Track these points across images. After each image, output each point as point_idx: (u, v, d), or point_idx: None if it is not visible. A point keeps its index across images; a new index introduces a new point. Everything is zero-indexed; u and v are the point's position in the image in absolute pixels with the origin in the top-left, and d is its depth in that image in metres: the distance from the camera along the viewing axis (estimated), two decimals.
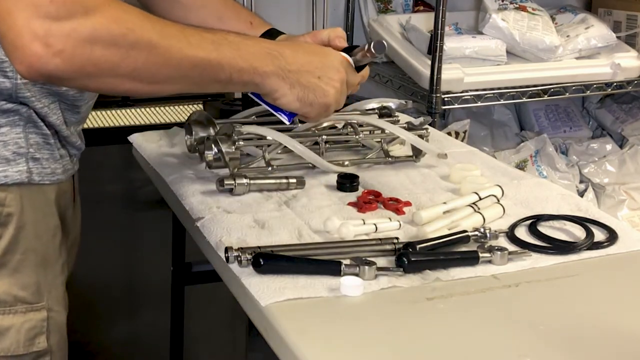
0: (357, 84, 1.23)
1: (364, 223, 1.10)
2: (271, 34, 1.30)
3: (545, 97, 2.08)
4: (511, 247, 1.06)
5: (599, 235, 1.12)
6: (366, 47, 1.19)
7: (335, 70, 1.12)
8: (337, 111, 1.21)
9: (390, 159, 1.38)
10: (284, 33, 1.32)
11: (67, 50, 0.86)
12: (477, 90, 1.99)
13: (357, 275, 0.96)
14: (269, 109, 1.15)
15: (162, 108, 2.05)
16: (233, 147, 1.25)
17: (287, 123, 1.16)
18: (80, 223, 1.30)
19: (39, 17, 0.83)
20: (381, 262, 1.01)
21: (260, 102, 1.13)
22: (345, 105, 1.55)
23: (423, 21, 2.16)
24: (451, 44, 1.98)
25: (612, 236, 1.11)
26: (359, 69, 1.22)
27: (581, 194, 2.26)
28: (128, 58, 0.91)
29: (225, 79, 1.02)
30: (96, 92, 1.09)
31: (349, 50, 1.22)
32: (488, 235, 1.07)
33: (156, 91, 1.00)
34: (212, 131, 1.32)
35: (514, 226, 1.13)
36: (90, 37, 0.87)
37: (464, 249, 1.06)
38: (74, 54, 0.87)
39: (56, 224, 1.10)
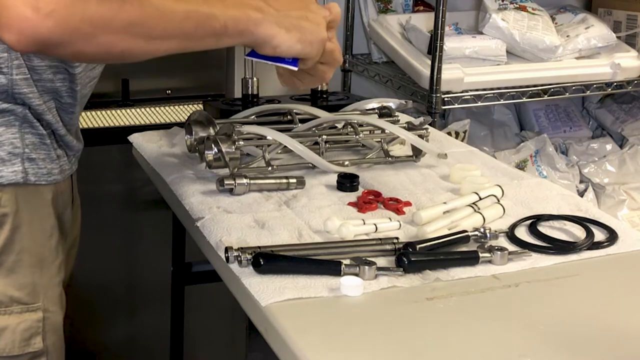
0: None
1: (364, 223, 1.10)
2: None
3: (545, 97, 2.07)
4: (511, 247, 1.06)
5: (599, 235, 1.12)
6: None
7: (315, 6, 1.10)
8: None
9: (390, 158, 1.38)
10: None
11: (59, 10, 0.83)
12: (477, 90, 1.99)
13: (357, 275, 0.96)
14: (270, 62, 1.11)
15: (162, 108, 2.05)
16: (233, 147, 1.25)
17: (295, 69, 1.10)
18: (80, 224, 1.29)
19: None
20: (381, 262, 1.01)
21: (259, 59, 1.10)
22: (345, 105, 1.55)
23: (423, 21, 2.15)
24: (451, 44, 1.98)
25: (612, 236, 1.11)
26: None
27: (581, 194, 2.26)
28: (122, 12, 0.89)
29: (220, 28, 1.00)
30: (91, 59, 1.04)
31: None
32: (488, 235, 1.07)
33: (153, 49, 0.97)
34: (212, 131, 1.32)
35: (514, 226, 1.13)
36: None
37: (464, 249, 1.06)
38: (67, 13, 0.84)
39: (53, 224, 1.09)
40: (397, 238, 1.06)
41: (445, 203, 1.17)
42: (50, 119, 1.06)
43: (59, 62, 1.04)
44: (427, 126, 1.41)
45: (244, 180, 1.21)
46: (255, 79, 1.57)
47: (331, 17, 1.12)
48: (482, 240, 1.07)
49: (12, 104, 1.02)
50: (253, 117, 1.44)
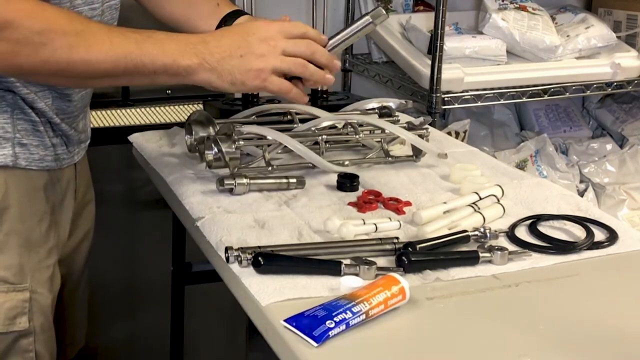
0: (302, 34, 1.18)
1: (364, 223, 1.10)
2: (235, 14, 1.32)
3: (545, 97, 2.07)
4: (511, 247, 1.06)
5: (599, 235, 1.12)
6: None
7: (259, 39, 1.12)
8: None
9: (390, 158, 1.38)
10: (248, 14, 1.34)
11: (6, 53, 0.96)
12: (477, 90, 1.99)
13: (357, 275, 0.96)
14: None
15: (162, 108, 2.05)
16: (233, 146, 1.25)
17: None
18: (93, 217, 1.33)
19: None
20: (381, 262, 1.01)
21: None
22: (345, 105, 1.55)
23: (423, 21, 2.15)
24: (451, 43, 1.98)
25: (612, 236, 1.11)
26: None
27: (581, 193, 2.26)
28: (48, 64, 0.99)
29: (149, 73, 1.05)
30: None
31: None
32: (488, 235, 1.07)
33: (86, 85, 1.10)
34: (212, 131, 1.32)
35: (514, 226, 1.13)
36: (10, 52, 0.96)
37: (464, 248, 1.06)
38: (10, 55, 0.96)
39: (44, 209, 1.12)
40: (397, 238, 1.06)
41: (445, 203, 1.17)
42: (43, 107, 1.09)
43: None
44: (427, 126, 1.41)
45: (244, 180, 1.21)
46: None
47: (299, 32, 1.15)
48: (482, 240, 1.07)
49: (2, 90, 1.06)
50: (253, 117, 1.44)
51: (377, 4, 2.26)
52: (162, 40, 1.06)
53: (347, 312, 0.85)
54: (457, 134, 2.15)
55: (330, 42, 1.21)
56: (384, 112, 1.48)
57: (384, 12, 1.20)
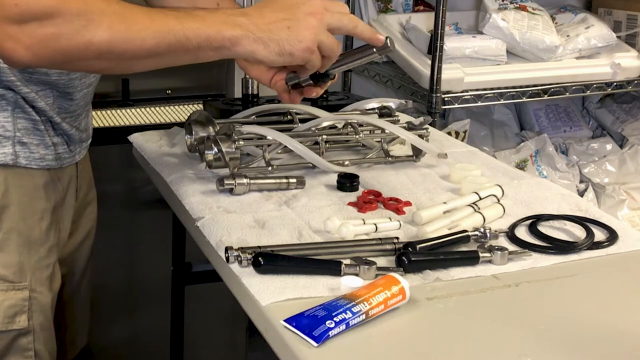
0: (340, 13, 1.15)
1: (364, 223, 1.10)
2: None
3: (545, 97, 2.07)
4: (511, 247, 1.06)
5: (599, 235, 1.12)
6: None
7: (305, 12, 1.09)
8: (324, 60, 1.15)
9: (390, 158, 1.38)
10: None
11: (34, 45, 0.94)
12: (477, 90, 1.99)
13: (357, 275, 0.96)
14: None
15: (162, 108, 2.05)
16: (233, 146, 1.25)
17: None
18: (94, 217, 1.33)
19: (7, 20, 0.93)
20: (381, 262, 1.01)
21: None
22: (345, 105, 1.55)
23: (423, 21, 2.15)
24: (451, 43, 1.98)
25: (612, 236, 1.11)
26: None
27: (581, 193, 2.26)
28: (91, 45, 0.97)
29: (193, 48, 1.03)
30: (78, 71, 1.13)
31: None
32: (488, 235, 1.07)
33: (131, 68, 1.06)
34: (212, 131, 1.32)
35: (514, 226, 1.13)
36: (52, 35, 0.94)
37: (464, 248, 1.06)
38: (41, 47, 0.95)
39: (44, 208, 1.12)
40: (397, 238, 1.06)
41: (445, 203, 1.17)
42: (43, 107, 1.10)
43: None
44: (427, 126, 1.41)
45: (244, 180, 1.21)
46: None
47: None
48: (482, 240, 1.07)
49: (2, 89, 1.06)
50: (253, 117, 1.44)
51: (377, 5, 2.26)
52: (202, 15, 1.04)
53: (347, 312, 0.85)
54: (457, 134, 2.15)
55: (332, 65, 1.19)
56: (384, 112, 1.48)
57: (389, 45, 1.17)
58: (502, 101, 2.04)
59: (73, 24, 0.95)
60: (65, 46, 0.96)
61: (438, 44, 1.87)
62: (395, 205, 1.19)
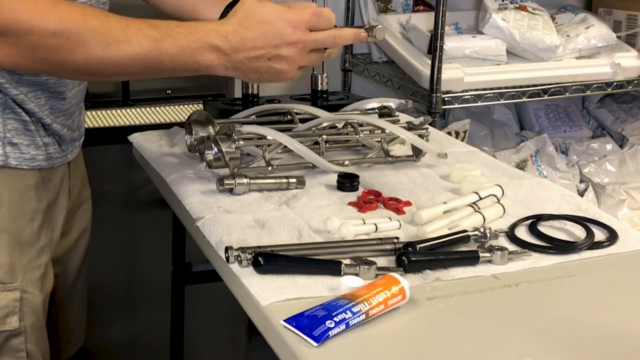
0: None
1: (364, 223, 1.10)
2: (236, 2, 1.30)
3: (545, 97, 2.07)
4: (511, 247, 1.06)
5: (599, 235, 1.12)
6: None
7: (286, 42, 1.09)
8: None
9: (390, 158, 1.38)
10: None
11: (13, 56, 0.98)
12: (477, 90, 1.99)
13: (357, 275, 0.96)
14: None
15: (162, 108, 2.05)
16: (233, 146, 1.25)
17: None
18: (89, 216, 1.33)
19: None
20: (381, 262, 1.01)
21: None
22: (345, 105, 1.55)
23: (423, 21, 2.15)
24: (451, 43, 1.98)
25: (612, 236, 1.11)
26: None
27: (581, 193, 2.26)
28: (67, 62, 1.00)
29: (169, 70, 1.06)
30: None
31: None
32: (488, 235, 1.07)
33: (108, 81, 1.11)
34: (212, 131, 1.32)
35: (514, 226, 1.13)
36: (29, 49, 0.98)
37: (464, 248, 1.06)
38: (20, 58, 0.99)
39: (35, 208, 1.12)
40: (397, 238, 1.06)
41: (445, 203, 1.17)
42: (33, 108, 1.09)
43: None
44: (427, 126, 1.41)
45: (244, 180, 1.21)
46: None
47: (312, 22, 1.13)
48: (482, 240, 1.07)
49: None
50: (253, 117, 1.44)
51: (377, 5, 2.26)
52: (181, 35, 1.05)
53: (347, 312, 0.85)
54: (457, 134, 2.15)
55: None
56: (384, 112, 1.48)
57: (382, 29, 1.20)
58: (502, 101, 2.04)
59: (48, 42, 0.97)
60: (43, 59, 0.99)
61: (438, 44, 1.87)
62: (395, 205, 1.19)
